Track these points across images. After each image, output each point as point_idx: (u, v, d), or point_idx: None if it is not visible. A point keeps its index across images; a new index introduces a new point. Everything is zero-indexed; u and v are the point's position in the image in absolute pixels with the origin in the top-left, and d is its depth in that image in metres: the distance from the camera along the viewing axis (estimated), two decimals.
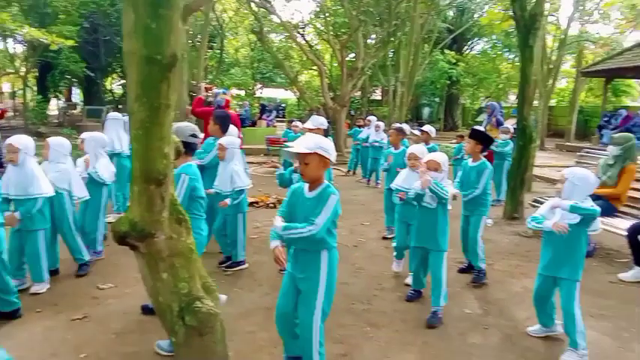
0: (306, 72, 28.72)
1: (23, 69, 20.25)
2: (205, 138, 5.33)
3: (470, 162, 4.61)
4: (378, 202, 7.05)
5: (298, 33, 18.78)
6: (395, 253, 4.82)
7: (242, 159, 5.95)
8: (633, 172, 5.42)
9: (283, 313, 2.84)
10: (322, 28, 19.33)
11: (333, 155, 2.69)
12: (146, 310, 3.67)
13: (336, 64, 21.66)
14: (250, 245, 5.60)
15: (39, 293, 4.05)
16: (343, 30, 18.98)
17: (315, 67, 18.89)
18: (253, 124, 18.64)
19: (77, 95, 29.37)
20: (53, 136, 5.02)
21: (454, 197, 3.92)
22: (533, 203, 6.41)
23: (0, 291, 3.55)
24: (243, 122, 15.10)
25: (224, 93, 7.39)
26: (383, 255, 5.36)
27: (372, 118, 10.77)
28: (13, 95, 30.67)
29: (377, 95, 33.89)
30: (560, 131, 24.66)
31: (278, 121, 21.08)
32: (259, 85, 29.06)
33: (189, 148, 3.61)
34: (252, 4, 15.85)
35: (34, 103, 21.55)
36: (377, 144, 9.70)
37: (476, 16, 24.55)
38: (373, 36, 19.95)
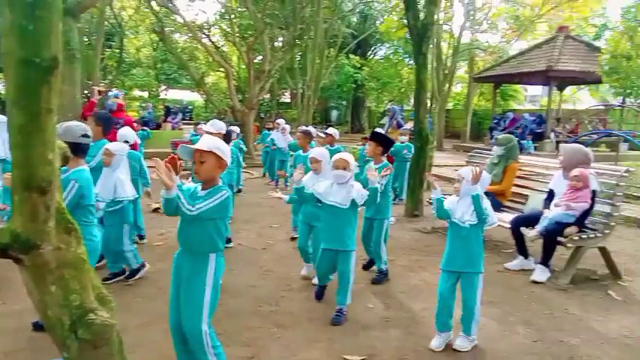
0: (213, 74, 28.16)
1: None
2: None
3: (372, 164, 4.79)
4: (287, 204, 7.11)
5: (203, 34, 18.38)
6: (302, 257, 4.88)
7: (143, 165, 5.74)
8: (515, 169, 5.95)
9: (174, 322, 2.77)
10: (228, 29, 19.09)
11: (228, 158, 2.75)
12: (37, 327, 3.42)
13: (243, 66, 21.49)
14: (154, 252, 5.43)
15: None
16: (249, 32, 18.88)
17: (222, 69, 18.59)
18: (158, 126, 17.95)
19: None
20: None
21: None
22: (431, 201, 6.80)
23: None
24: (146, 125, 14.50)
25: (116, 97, 7.06)
26: (292, 256, 5.40)
27: (280, 120, 10.84)
28: None
29: (286, 98, 34.10)
30: (456, 133, 26.42)
31: (185, 124, 20.48)
32: (163, 87, 28.03)
33: (79, 150, 3.42)
34: (154, 3, 15.26)
35: None
36: (282, 147, 9.84)
37: (377, 22, 25.54)
38: (280, 39, 20.07)
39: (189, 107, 29.44)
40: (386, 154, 4.89)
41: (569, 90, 25.68)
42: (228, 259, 3.04)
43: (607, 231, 4.86)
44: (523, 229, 5.07)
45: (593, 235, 4.81)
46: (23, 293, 3.95)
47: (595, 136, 14.12)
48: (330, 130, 7.30)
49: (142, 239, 5.78)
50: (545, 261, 4.87)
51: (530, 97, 37.81)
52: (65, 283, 2.12)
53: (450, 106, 29.19)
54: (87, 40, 17.73)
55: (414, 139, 7.75)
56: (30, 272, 2.08)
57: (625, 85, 13.63)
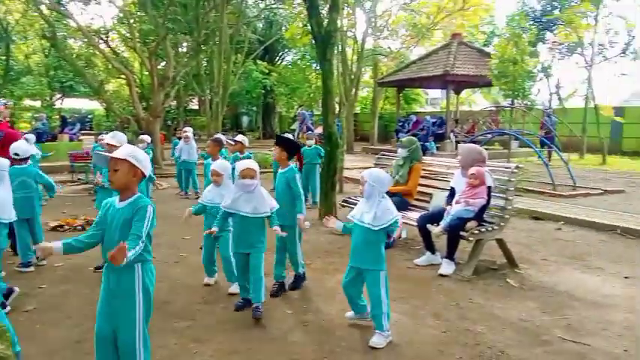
0: (113, 81, 26.82)
1: None
2: None
3: (279, 169, 4.81)
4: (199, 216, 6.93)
5: (100, 39, 17.44)
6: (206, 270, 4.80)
7: (45, 178, 5.34)
8: (420, 170, 6.26)
9: (102, 337, 2.69)
10: (128, 34, 18.26)
11: (146, 168, 2.73)
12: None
13: (146, 73, 20.67)
14: (55, 274, 5.08)
15: None
16: (151, 37, 18.22)
17: (123, 76, 17.74)
18: (54, 138, 16.72)
19: None
20: None
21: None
22: (343, 204, 6.97)
23: None
24: (40, 137, 13.47)
25: None
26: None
27: (187, 129, 10.57)
28: None
29: (194, 105, 33.28)
30: (365, 136, 27.30)
31: (84, 135, 19.33)
32: (58, 95, 26.20)
33: None
34: (43, 7, 14.22)
35: None
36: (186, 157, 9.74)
37: (283, 29, 25.75)
38: (184, 44, 19.56)
39: (89, 117, 27.80)
40: (294, 157, 4.91)
41: (465, 93, 27.51)
42: None
43: (503, 223, 5.26)
44: (429, 226, 5.34)
45: (491, 228, 5.19)
46: None
47: (489, 136, 15.22)
48: (240, 138, 7.24)
49: (40, 260, 5.35)
50: (450, 255, 5.17)
51: (431, 100, 40.01)
52: None
53: (357, 110, 30.14)
54: None
55: (324, 143, 7.90)
56: None
57: (513, 88, 14.87)
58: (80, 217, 7.43)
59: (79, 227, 7.01)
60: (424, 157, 6.70)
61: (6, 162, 4.33)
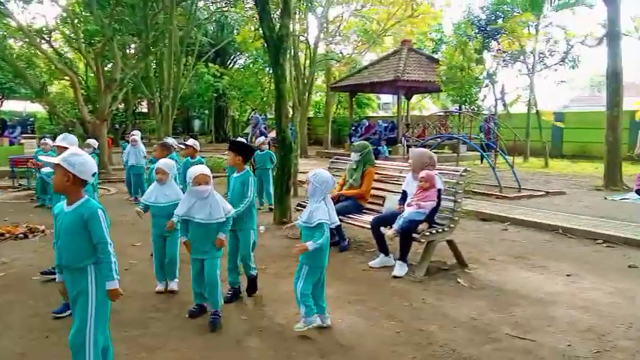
0: (57, 82, 25.77)
1: None
2: None
3: (235, 174, 4.77)
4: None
5: (43, 39, 16.72)
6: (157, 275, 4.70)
7: None
8: (373, 173, 6.35)
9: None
10: (72, 35, 17.59)
11: (82, 173, 2.68)
12: None
13: (92, 75, 19.98)
14: None
15: None
16: (97, 38, 17.63)
17: (67, 78, 17.06)
18: None
19: None
20: None
21: None
22: (298, 207, 6.97)
23: None
24: None
25: None
26: None
27: (135, 132, 10.30)
28: None
29: (144, 107, 32.47)
30: (319, 140, 27.46)
31: (26, 138, 18.50)
32: None
33: None
34: None
35: None
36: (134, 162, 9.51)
37: (235, 32, 25.54)
38: (133, 46, 19.05)
39: (30, 120, 26.62)
40: (249, 162, 4.89)
41: (415, 98, 28.17)
42: None
43: (452, 225, 5.42)
44: (382, 229, 5.43)
45: (441, 230, 5.33)
46: None
47: (439, 140, 15.65)
48: (191, 142, 7.12)
49: None
50: (403, 257, 5.27)
51: (383, 105, 40.74)
52: None
53: (311, 114, 30.26)
54: None
55: (277, 147, 7.88)
56: None
57: (460, 94, 15.38)
58: (22, 224, 7.08)
59: (21, 236, 6.68)
60: (377, 161, 6.81)
61: None
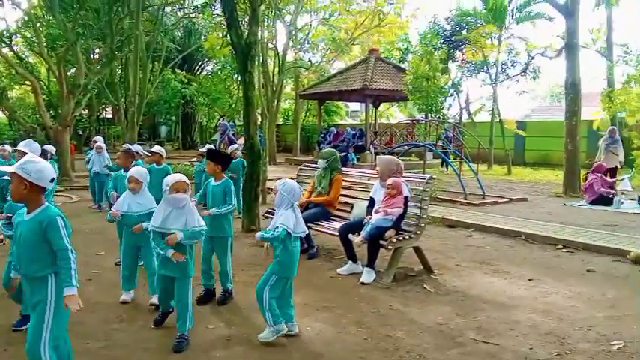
0: (17, 87, 25.01)
1: None
2: None
3: (213, 182, 4.75)
4: (114, 229, 6.61)
5: (3, 43, 16.21)
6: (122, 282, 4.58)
7: None
8: (341, 181, 6.39)
9: None
10: (34, 39, 17.12)
11: (39, 180, 2.64)
12: None
13: (55, 80, 19.47)
14: None
15: None
16: (59, 43, 17.21)
17: (28, 82, 16.58)
18: None
19: None
20: None
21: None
22: (266, 215, 6.95)
23: None
24: None
25: None
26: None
27: (98, 138, 10.08)
28: None
29: (108, 113, 31.81)
30: (288, 147, 27.47)
31: None
32: None
33: None
34: None
35: None
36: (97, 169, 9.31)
37: (203, 38, 25.36)
38: (97, 51, 18.67)
39: None
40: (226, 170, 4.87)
41: (383, 106, 28.50)
42: None
43: (419, 232, 5.51)
44: (350, 236, 5.48)
45: (408, 237, 5.41)
46: None
47: (406, 147, 15.88)
48: (156, 149, 7.00)
49: None
50: (370, 263, 5.32)
51: (351, 113, 41.06)
52: None
53: (280, 121, 30.24)
54: None
55: (246, 154, 7.84)
56: None
57: (426, 102, 15.65)
58: None
59: None
60: (345, 169, 6.86)
61: None
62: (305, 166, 7.60)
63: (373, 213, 5.40)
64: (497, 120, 20.19)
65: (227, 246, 4.67)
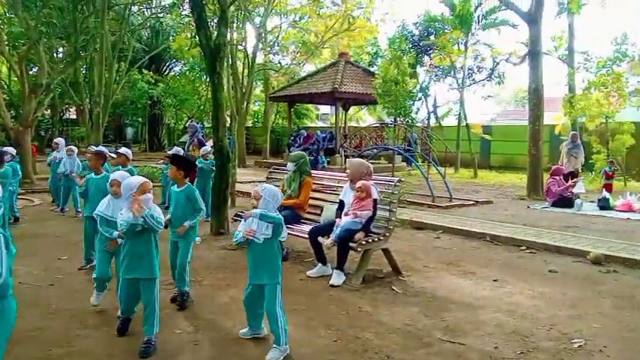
0: None
1: None
2: None
3: (176, 187, 4.66)
4: (77, 233, 6.42)
5: None
6: (95, 285, 4.47)
7: None
8: (310, 183, 6.40)
9: None
10: None
11: None
12: None
13: (16, 79, 18.87)
14: None
15: None
16: (21, 41, 16.69)
17: None
18: None
19: None
20: None
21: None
22: (236, 218, 6.89)
23: None
24: None
25: None
26: (86, 290, 4.87)
27: (59, 140, 9.80)
28: None
29: (72, 114, 31.02)
30: (258, 149, 27.35)
31: None
32: None
33: None
34: None
35: None
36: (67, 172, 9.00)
37: (171, 39, 25.04)
38: (60, 50, 18.19)
39: None
40: (189, 176, 4.79)
41: (352, 109, 28.69)
42: None
43: (388, 234, 5.56)
44: (320, 239, 5.49)
45: (377, 239, 5.46)
46: None
47: (375, 151, 16.03)
48: (123, 150, 6.86)
49: None
50: (340, 266, 5.34)
51: (321, 116, 41.20)
52: None
53: (250, 124, 30.07)
54: None
55: (215, 156, 7.77)
56: None
57: (395, 106, 15.84)
58: None
59: None
60: (315, 171, 6.87)
61: None
62: (275, 168, 7.59)
63: (343, 215, 5.42)
64: (464, 124, 20.61)
65: (188, 251, 4.57)
